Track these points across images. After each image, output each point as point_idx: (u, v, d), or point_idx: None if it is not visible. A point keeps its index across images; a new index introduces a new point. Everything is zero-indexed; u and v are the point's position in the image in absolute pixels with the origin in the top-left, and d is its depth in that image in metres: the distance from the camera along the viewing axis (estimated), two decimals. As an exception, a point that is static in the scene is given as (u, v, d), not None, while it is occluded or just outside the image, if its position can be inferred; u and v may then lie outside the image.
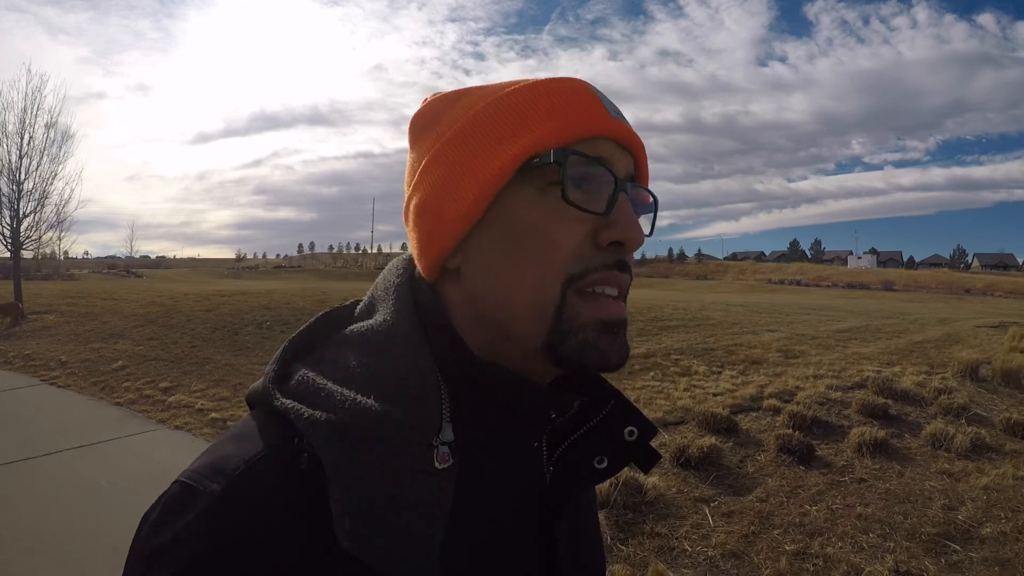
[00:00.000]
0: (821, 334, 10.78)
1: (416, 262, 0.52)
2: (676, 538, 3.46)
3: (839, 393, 6.08)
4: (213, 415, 6.14)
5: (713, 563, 3.23)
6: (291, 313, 11.97)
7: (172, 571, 0.36)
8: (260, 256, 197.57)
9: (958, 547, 3.37)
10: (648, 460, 0.54)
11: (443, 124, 0.50)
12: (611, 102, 0.50)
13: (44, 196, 15.74)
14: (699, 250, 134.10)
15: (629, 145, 0.50)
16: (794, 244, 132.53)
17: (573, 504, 0.54)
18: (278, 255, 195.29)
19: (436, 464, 0.42)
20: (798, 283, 59.23)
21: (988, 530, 3.55)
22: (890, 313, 16.47)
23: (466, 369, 0.46)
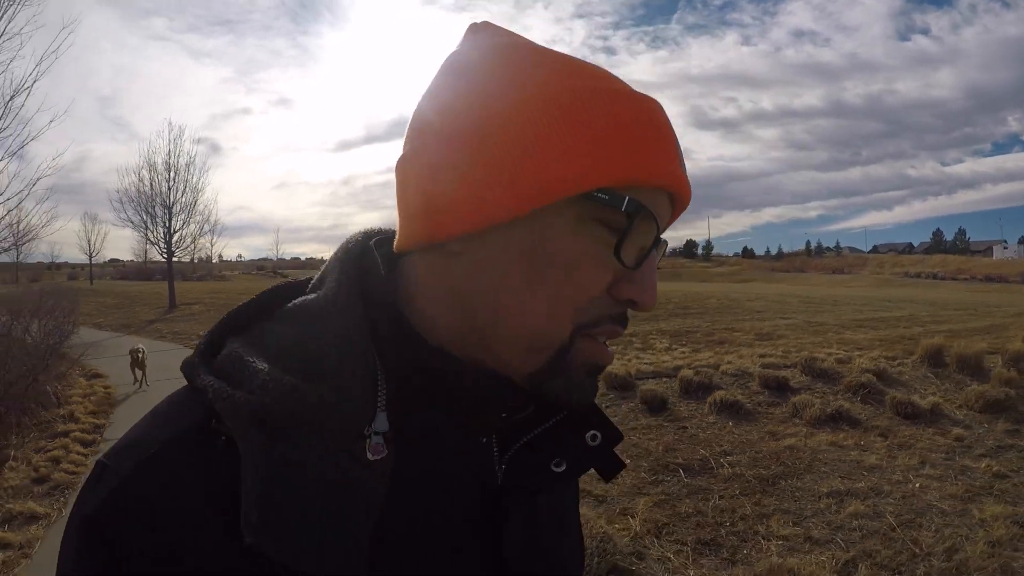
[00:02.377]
0: (830, 322, 11.08)
1: (399, 221, 0.46)
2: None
3: (763, 369, 6.89)
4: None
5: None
6: None
7: (78, 547, 0.36)
8: None
9: (682, 472, 4.54)
10: (611, 468, 0.50)
11: (498, 89, 0.42)
12: (678, 141, 0.45)
13: (189, 214, 21.95)
14: (837, 242, 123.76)
15: (681, 203, 0.45)
16: (937, 234, 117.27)
17: (529, 506, 0.48)
18: None
19: (368, 455, 0.39)
20: (934, 276, 53.22)
21: (727, 463, 4.67)
22: (968, 306, 15.59)
23: (409, 351, 0.42)
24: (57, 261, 60.69)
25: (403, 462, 0.40)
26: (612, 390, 6.20)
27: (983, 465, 4.38)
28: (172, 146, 21.68)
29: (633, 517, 3.86)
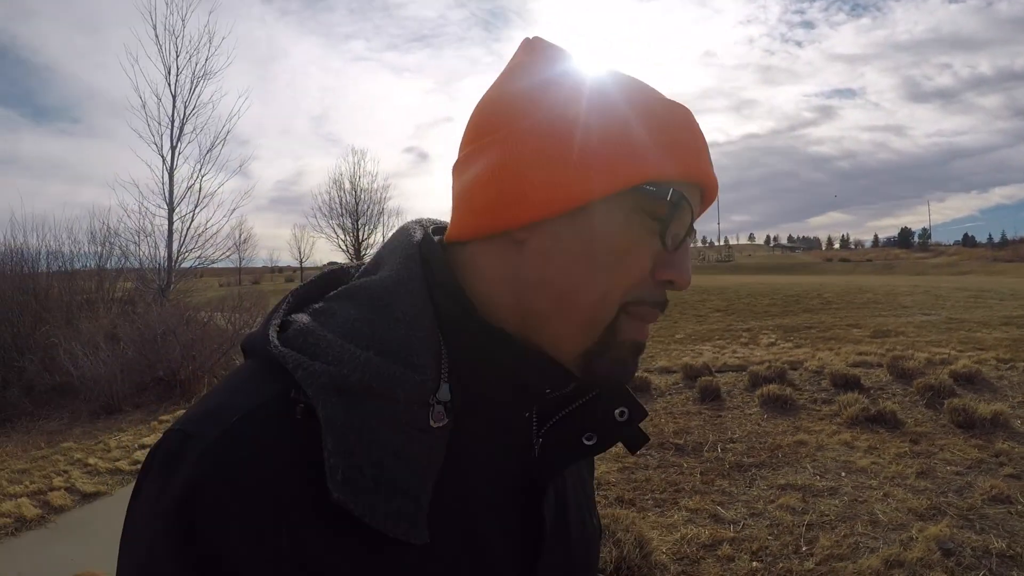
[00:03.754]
0: (975, 319, 9.27)
1: (460, 215, 0.49)
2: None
3: (848, 367, 6.44)
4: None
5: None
6: None
7: (167, 515, 0.37)
8: None
9: (671, 450, 4.89)
10: (636, 441, 0.55)
11: (561, 94, 0.47)
12: (706, 143, 0.50)
13: (375, 225, 27.74)
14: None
15: (709, 197, 0.50)
16: None
17: (561, 474, 0.54)
18: None
19: (431, 423, 0.42)
20: None
21: (721, 448, 4.89)
22: None
23: (471, 330, 0.46)
24: (279, 264, 67.67)
25: (459, 431, 0.44)
26: (685, 379, 6.56)
27: (984, 485, 3.79)
28: (356, 167, 27.49)
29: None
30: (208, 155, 13.75)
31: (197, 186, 13.77)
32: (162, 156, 13.30)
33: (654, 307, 0.47)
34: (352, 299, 0.46)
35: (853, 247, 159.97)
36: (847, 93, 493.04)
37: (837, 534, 3.39)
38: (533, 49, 0.51)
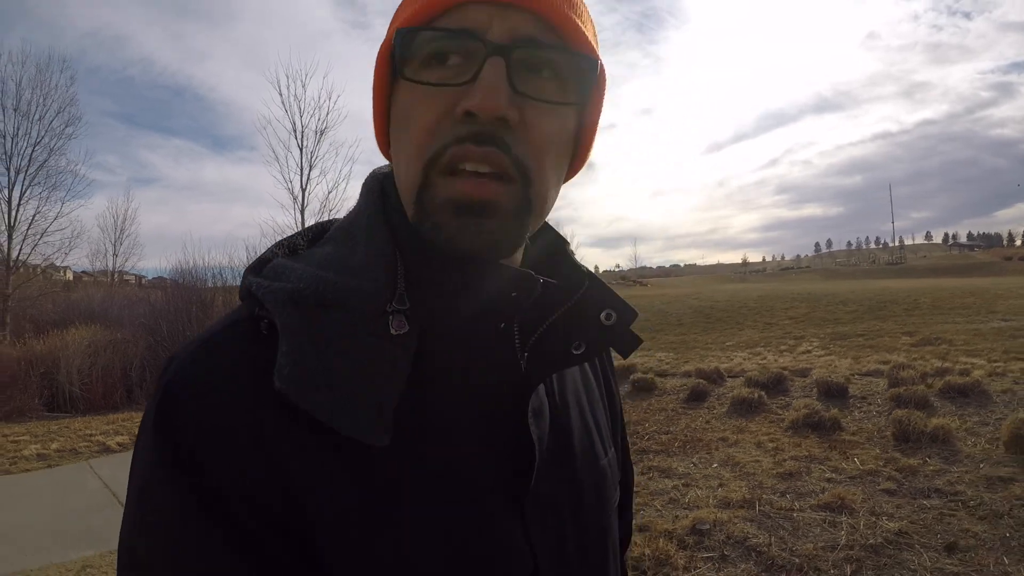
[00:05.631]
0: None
1: None
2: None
3: (849, 376, 6.13)
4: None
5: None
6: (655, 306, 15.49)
7: (156, 410, 0.41)
8: (782, 257, 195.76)
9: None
10: (627, 345, 0.52)
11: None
12: None
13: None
14: None
15: (513, 3, 0.43)
16: None
17: (558, 393, 0.53)
18: (798, 256, 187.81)
19: (391, 331, 0.42)
20: None
21: (648, 435, 5.21)
22: None
23: (421, 245, 0.45)
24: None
25: (429, 345, 0.44)
26: (708, 383, 6.61)
27: (815, 489, 3.54)
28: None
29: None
30: (329, 196, 15.74)
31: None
32: (293, 197, 15.31)
33: (459, 144, 0.42)
34: (330, 241, 0.49)
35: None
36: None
37: (663, 501, 3.64)
38: None
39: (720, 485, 3.87)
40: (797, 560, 2.80)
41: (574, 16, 0.45)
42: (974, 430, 4.30)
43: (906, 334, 8.39)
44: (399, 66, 0.45)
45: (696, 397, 6.07)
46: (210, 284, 14.04)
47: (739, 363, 7.37)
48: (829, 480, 3.80)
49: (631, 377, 6.85)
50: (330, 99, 16.04)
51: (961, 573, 2.66)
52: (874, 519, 3.16)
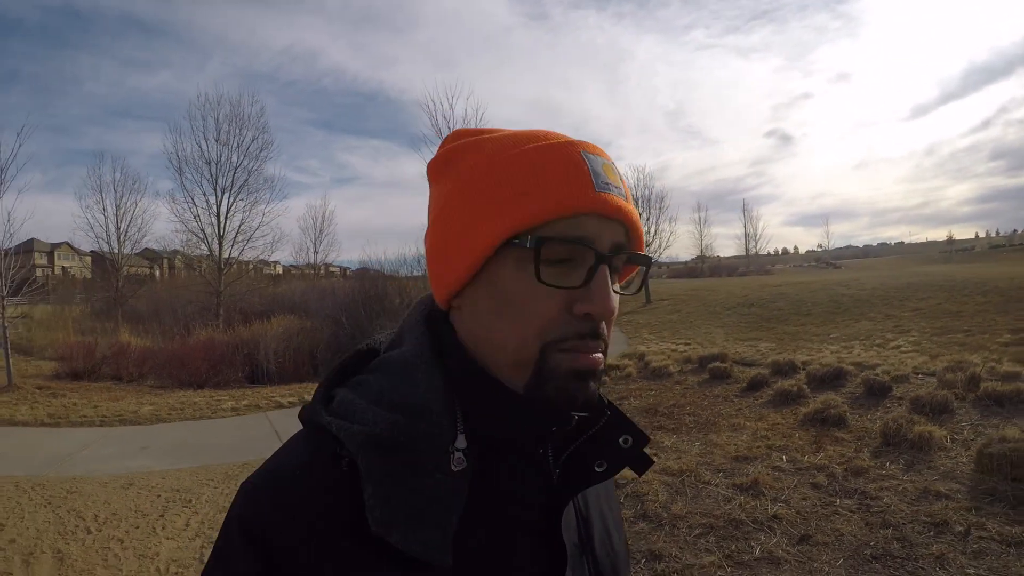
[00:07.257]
0: None
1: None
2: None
3: (912, 373, 6.10)
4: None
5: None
6: (771, 299, 15.06)
7: (227, 542, 0.49)
8: (997, 233, 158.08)
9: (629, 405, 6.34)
10: (641, 465, 0.61)
11: (455, 175, 0.55)
12: (603, 167, 0.53)
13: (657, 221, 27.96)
14: None
15: (615, 217, 0.52)
16: None
17: (581, 499, 0.62)
18: (1014, 231, 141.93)
19: (452, 467, 0.50)
20: None
21: (674, 412, 5.97)
22: None
23: (473, 386, 0.53)
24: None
25: (481, 473, 0.52)
26: (775, 375, 6.87)
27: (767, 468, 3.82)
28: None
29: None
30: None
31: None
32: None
33: (581, 339, 0.51)
34: (381, 371, 0.55)
35: None
36: None
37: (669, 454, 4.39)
38: (451, 152, 0.57)
39: (678, 458, 4.43)
40: (666, 515, 3.43)
41: (641, 225, 0.56)
42: (967, 442, 4.17)
43: (1014, 331, 7.53)
44: (539, 268, 0.50)
45: (753, 387, 6.42)
46: (387, 273, 16.21)
47: (820, 356, 7.35)
48: (774, 468, 4.13)
49: (708, 366, 7.27)
50: (476, 115, 17.49)
51: (784, 560, 2.92)
52: (767, 503, 3.54)
